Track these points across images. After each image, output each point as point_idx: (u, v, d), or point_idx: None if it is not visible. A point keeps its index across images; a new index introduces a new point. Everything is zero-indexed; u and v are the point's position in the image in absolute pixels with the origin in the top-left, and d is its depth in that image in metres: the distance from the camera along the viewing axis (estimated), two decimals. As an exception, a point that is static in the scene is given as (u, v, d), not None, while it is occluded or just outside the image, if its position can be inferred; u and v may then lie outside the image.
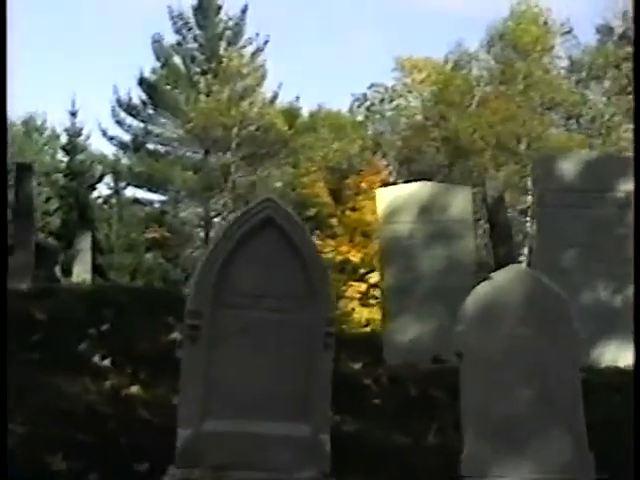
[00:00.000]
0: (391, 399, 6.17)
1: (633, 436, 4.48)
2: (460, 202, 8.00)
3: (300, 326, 4.33)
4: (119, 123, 32.65)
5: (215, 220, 30.99)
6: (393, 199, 8.12)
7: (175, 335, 6.86)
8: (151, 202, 33.04)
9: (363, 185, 24.66)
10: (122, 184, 30.82)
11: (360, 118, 33.66)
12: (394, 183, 27.41)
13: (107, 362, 6.59)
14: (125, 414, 5.30)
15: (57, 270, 10.86)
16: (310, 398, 4.26)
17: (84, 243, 12.96)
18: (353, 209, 25.46)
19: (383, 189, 8.67)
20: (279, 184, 30.24)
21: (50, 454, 4.61)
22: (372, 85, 33.29)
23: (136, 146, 32.37)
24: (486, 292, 4.48)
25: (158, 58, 32.52)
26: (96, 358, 6.61)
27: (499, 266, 6.11)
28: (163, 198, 32.47)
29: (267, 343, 4.32)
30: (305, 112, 32.72)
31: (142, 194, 32.40)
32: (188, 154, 32.58)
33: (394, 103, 33.43)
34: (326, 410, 4.33)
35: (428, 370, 6.86)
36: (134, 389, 5.87)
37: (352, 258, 24.90)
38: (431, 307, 7.63)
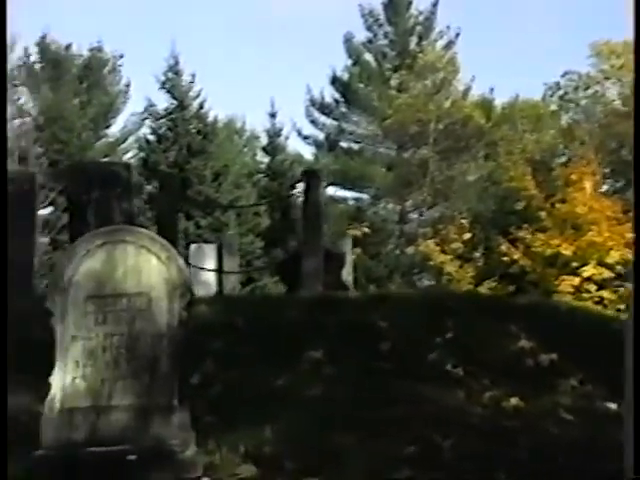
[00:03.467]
0: None
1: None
2: None
3: None
4: (313, 122, 33.11)
5: (412, 216, 31.01)
6: None
7: (522, 344, 6.78)
8: (344, 199, 33.32)
9: (573, 177, 23.94)
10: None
11: (554, 107, 32.87)
12: (604, 175, 26.78)
13: (459, 371, 6.59)
14: (531, 429, 5.24)
15: (344, 275, 10.99)
16: None
17: (345, 246, 13.12)
18: (563, 201, 24.78)
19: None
20: (476, 178, 29.90)
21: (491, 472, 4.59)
22: (566, 73, 32.44)
23: (330, 145, 32.71)
24: None
25: (350, 56, 32.77)
26: (448, 367, 6.62)
27: None
28: (358, 195, 32.68)
29: None
30: (498, 104, 32.19)
31: (337, 192, 32.69)
32: (381, 150, 32.67)
33: (589, 91, 32.48)
34: None
35: None
36: (513, 401, 5.82)
37: (563, 252, 24.23)
38: None
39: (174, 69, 27.48)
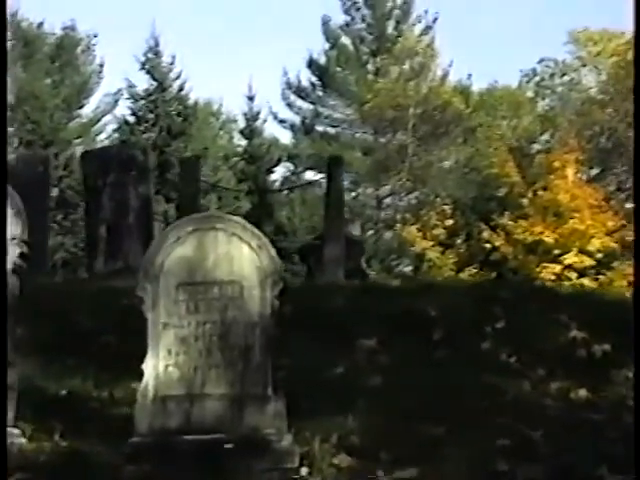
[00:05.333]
0: None
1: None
2: None
3: None
4: (289, 106, 32.95)
5: (389, 201, 31.05)
6: None
7: (574, 334, 6.82)
8: (321, 184, 33.23)
9: (555, 164, 24.10)
10: (299, 167, 31.10)
11: (530, 94, 33.06)
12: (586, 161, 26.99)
13: (513, 360, 6.62)
14: (613, 420, 5.27)
15: (363, 262, 10.99)
16: None
17: (354, 231, 13.12)
18: (544, 189, 24.96)
19: None
20: (454, 164, 30.02)
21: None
22: (542, 60, 32.62)
23: (306, 129, 32.60)
24: None
25: (327, 39, 32.63)
26: (503, 356, 6.65)
27: None
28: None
29: None
30: (475, 89, 32.27)
31: (312, 176, 32.58)
32: (357, 135, 32.63)
33: (565, 78, 32.72)
34: None
35: None
36: (582, 392, 5.85)
37: (545, 239, 24.41)
38: None
39: (154, 50, 27.15)
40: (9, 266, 4.77)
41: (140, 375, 6.36)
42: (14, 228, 4.82)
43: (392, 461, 4.68)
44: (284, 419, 4.71)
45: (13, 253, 4.79)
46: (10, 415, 4.69)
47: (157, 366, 4.76)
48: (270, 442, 4.64)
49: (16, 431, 4.69)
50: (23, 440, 4.72)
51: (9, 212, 4.81)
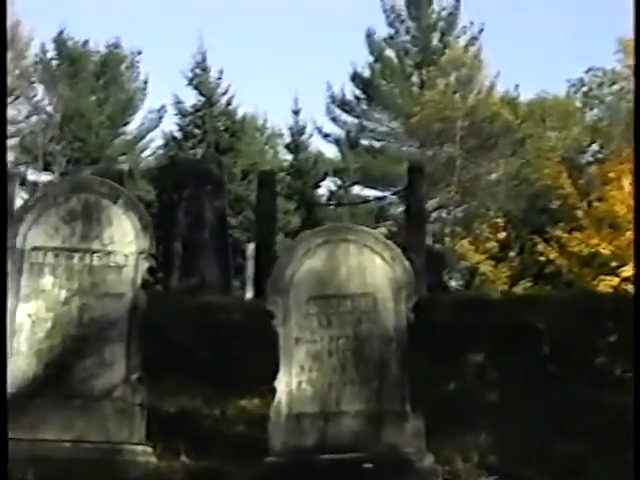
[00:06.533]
0: None
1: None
2: None
3: None
4: (334, 120, 32.83)
5: (438, 214, 30.81)
6: None
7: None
8: (364, 198, 33.07)
9: (611, 175, 23.73)
10: (347, 182, 30.96)
11: (577, 104, 32.72)
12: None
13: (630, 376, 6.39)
14: None
15: (444, 275, 10.80)
16: None
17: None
18: (599, 200, 24.58)
19: None
20: (502, 175, 29.73)
21: None
22: (590, 69, 32.23)
23: (351, 143, 32.46)
24: None
25: (371, 52, 32.50)
26: (617, 371, 6.44)
27: None
28: (380, 194, 32.48)
29: None
30: (523, 100, 31.98)
31: (359, 191, 32.52)
32: (403, 149, 32.44)
33: (615, 87, 32.33)
34: None
35: None
36: None
37: (602, 251, 24.02)
38: None
39: (201, 65, 27.13)
40: (138, 281, 4.65)
41: (246, 392, 6.25)
42: (142, 242, 4.70)
43: (539, 481, 4.49)
44: (423, 437, 4.54)
45: (142, 268, 4.67)
46: (142, 433, 4.56)
47: (290, 383, 4.61)
48: (411, 461, 4.47)
49: (148, 449, 4.55)
50: (154, 459, 4.58)
51: (137, 225, 4.69)
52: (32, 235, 4.68)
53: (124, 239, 4.69)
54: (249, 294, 12.64)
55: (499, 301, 8.03)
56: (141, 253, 4.69)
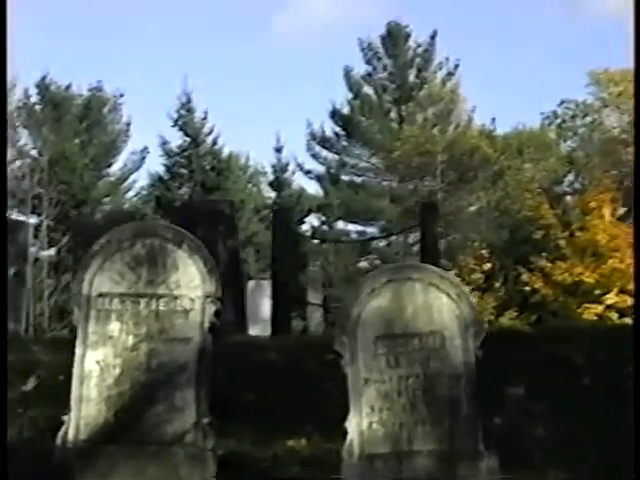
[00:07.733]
0: None
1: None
2: None
3: None
4: (314, 156, 33.00)
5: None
6: None
7: None
8: (347, 233, 33.19)
9: (592, 204, 23.98)
10: (330, 217, 31.07)
11: (552, 136, 33.17)
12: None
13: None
14: None
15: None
16: None
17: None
18: (581, 229, 24.82)
19: None
20: (486, 207, 29.96)
21: None
22: (562, 102, 32.75)
23: (332, 179, 32.62)
24: None
25: (350, 89, 32.78)
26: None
27: None
28: (362, 229, 32.61)
29: None
30: (499, 133, 32.35)
31: (343, 226, 32.64)
32: (384, 183, 32.63)
33: (587, 119, 32.83)
34: None
35: None
36: None
37: (586, 279, 24.19)
38: None
39: (186, 106, 27.19)
40: (206, 325, 4.65)
41: (292, 432, 6.22)
42: (208, 285, 4.70)
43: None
44: (498, 475, 4.54)
45: (209, 311, 4.67)
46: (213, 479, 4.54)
47: (361, 423, 4.61)
48: (489, 501, 4.47)
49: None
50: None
51: (202, 269, 4.70)
52: (98, 281, 4.67)
53: (190, 283, 4.69)
54: (266, 332, 12.55)
55: (530, 333, 8.06)
56: (208, 297, 4.70)
